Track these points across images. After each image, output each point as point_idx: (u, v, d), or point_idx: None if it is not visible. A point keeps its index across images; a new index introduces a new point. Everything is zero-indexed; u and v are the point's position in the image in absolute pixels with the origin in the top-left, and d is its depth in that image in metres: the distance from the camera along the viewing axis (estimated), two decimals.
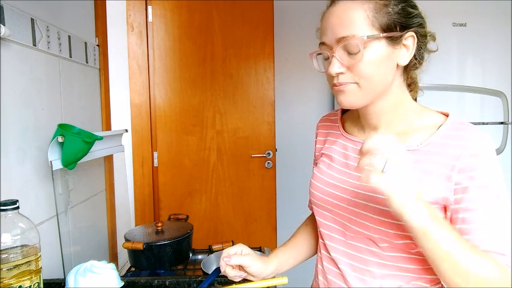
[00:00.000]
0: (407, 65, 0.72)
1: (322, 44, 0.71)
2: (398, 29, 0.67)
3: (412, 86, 0.77)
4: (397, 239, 0.68)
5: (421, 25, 0.70)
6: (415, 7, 0.70)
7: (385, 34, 0.66)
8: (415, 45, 0.69)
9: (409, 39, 0.69)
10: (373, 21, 0.66)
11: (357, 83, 0.68)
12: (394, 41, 0.67)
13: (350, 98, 0.70)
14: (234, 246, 0.82)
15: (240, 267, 0.81)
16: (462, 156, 0.65)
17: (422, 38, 0.71)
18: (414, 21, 0.69)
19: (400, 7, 0.67)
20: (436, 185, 0.66)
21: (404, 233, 0.66)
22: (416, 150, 0.69)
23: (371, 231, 0.71)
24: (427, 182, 0.66)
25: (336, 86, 0.70)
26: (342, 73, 0.68)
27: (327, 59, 0.71)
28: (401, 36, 0.68)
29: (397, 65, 0.70)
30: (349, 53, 0.67)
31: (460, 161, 0.65)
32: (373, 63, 0.67)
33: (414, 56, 0.71)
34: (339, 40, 0.67)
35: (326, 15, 0.70)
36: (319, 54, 0.74)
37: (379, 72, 0.68)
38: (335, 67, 0.68)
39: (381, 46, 0.67)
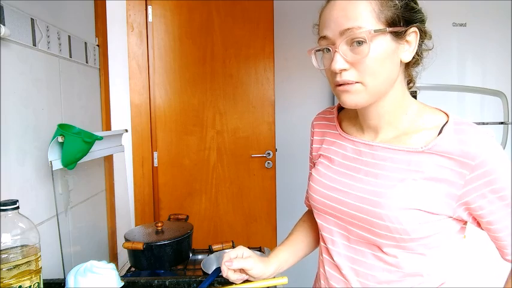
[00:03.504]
0: (409, 62, 0.71)
1: (323, 38, 0.68)
2: (402, 23, 0.65)
3: (410, 84, 0.76)
4: (402, 243, 0.67)
5: (423, 21, 0.69)
6: (416, 2, 0.69)
7: (390, 29, 0.64)
8: (418, 41, 0.68)
9: (412, 35, 0.67)
10: (379, 14, 0.63)
11: (361, 82, 0.65)
12: (398, 36, 0.65)
13: (355, 98, 0.67)
14: (234, 249, 0.82)
15: (242, 270, 0.80)
16: (470, 165, 0.63)
17: (423, 34, 0.70)
18: (417, 17, 0.67)
19: (404, 1, 0.66)
20: (440, 192, 0.65)
21: (410, 236, 0.65)
22: (420, 152, 0.67)
23: (375, 235, 0.69)
24: (430, 187, 0.65)
25: (339, 85, 0.67)
26: (345, 70, 0.65)
27: (327, 54, 0.68)
28: (405, 31, 0.66)
29: (400, 61, 0.68)
30: (353, 48, 0.64)
31: (467, 169, 0.63)
32: (378, 59, 0.64)
33: (416, 52, 0.69)
34: (343, 32, 0.64)
35: (328, 8, 0.67)
36: (318, 50, 0.70)
37: (385, 68, 0.65)
38: (338, 63, 0.65)
39: (387, 41, 0.64)
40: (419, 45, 0.70)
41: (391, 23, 0.64)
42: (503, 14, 1.98)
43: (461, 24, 1.97)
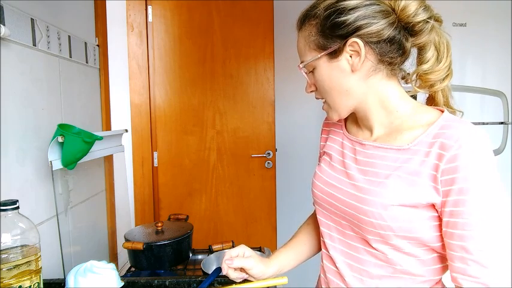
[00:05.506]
0: (385, 62, 0.69)
1: None
2: (336, 41, 0.69)
3: (406, 78, 0.74)
4: (391, 240, 0.67)
5: (364, 25, 0.66)
6: (349, 13, 0.66)
7: (321, 54, 0.71)
8: (363, 48, 0.67)
9: (355, 46, 0.67)
10: (309, 44, 0.73)
11: (325, 99, 0.77)
12: (333, 54, 0.70)
13: (329, 114, 0.78)
14: (235, 248, 0.83)
15: (242, 269, 0.81)
16: (445, 157, 0.62)
17: (376, 35, 0.66)
18: (349, 29, 0.66)
19: (328, 24, 0.68)
20: (424, 187, 0.64)
21: (395, 233, 0.66)
22: (406, 149, 0.68)
23: (363, 231, 0.70)
24: (416, 183, 0.65)
25: None
26: (314, 91, 0.78)
27: None
28: (338, 48, 0.68)
29: (355, 71, 0.69)
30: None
31: (442, 162, 0.62)
32: (324, 81, 0.73)
33: (382, 53, 0.68)
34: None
35: None
36: None
37: (333, 85, 0.73)
38: (306, 87, 0.79)
39: (323, 64, 0.72)
40: (380, 45, 0.67)
41: (321, 47, 0.71)
42: (503, 14, 1.99)
43: (461, 24, 1.97)
